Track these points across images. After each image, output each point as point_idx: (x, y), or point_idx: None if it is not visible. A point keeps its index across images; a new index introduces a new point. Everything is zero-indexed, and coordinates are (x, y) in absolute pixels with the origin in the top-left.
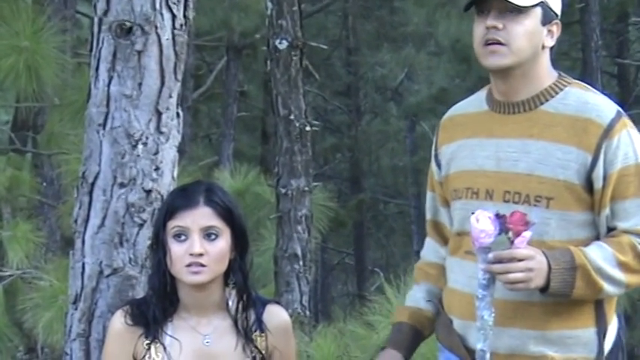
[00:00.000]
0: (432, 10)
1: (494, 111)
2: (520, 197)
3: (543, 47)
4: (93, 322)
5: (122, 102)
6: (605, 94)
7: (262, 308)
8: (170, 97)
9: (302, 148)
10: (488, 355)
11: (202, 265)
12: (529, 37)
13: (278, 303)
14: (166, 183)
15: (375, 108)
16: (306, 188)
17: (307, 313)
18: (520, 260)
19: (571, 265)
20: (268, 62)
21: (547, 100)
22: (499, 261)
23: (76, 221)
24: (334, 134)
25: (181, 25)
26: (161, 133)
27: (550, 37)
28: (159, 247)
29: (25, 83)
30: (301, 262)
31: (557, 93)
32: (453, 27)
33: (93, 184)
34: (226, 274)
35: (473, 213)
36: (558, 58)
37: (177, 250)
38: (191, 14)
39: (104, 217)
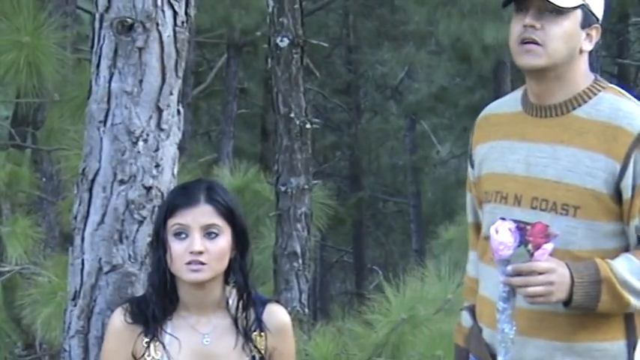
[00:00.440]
0: (433, 9)
1: (527, 113)
2: (547, 205)
3: (581, 51)
4: (92, 319)
5: (123, 99)
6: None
7: (262, 308)
8: (171, 94)
9: (302, 145)
10: None
11: (202, 264)
12: (566, 39)
13: (278, 302)
14: (166, 180)
15: (375, 106)
16: (306, 186)
17: (306, 311)
18: (540, 273)
19: (595, 279)
20: (269, 60)
21: (580, 105)
22: (518, 274)
23: (75, 218)
24: (334, 132)
25: (183, 22)
26: (162, 130)
27: (588, 41)
28: (159, 245)
29: (26, 79)
30: (300, 260)
31: (590, 98)
32: (454, 26)
33: (93, 180)
34: (226, 273)
35: (503, 219)
36: None
37: (177, 248)
38: (192, 11)
39: (104, 214)
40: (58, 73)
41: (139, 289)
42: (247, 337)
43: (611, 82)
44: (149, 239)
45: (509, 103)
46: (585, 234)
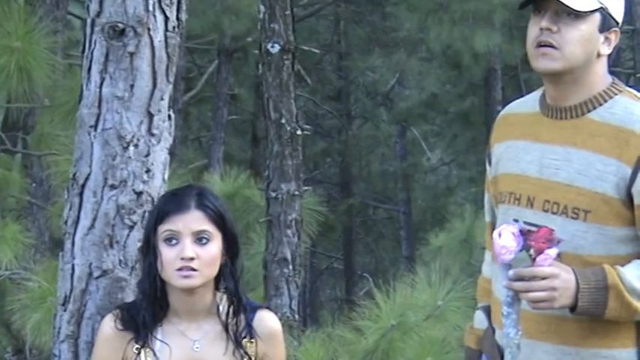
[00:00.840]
0: (424, 16)
1: (544, 114)
2: (558, 208)
3: (599, 55)
4: (82, 324)
5: (114, 104)
6: None
7: (253, 314)
8: (162, 99)
9: (293, 152)
10: None
11: (193, 270)
12: (584, 43)
13: (269, 309)
14: (157, 185)
15: (366, 113)
16: (297, 192)
17: (296, 317)
18: (543, 278)
19: (603, 285)
20: (260, 66)
21: (595, 108)
22: (520, 278)
23: (66, 222)
24: (324, 139)
25: (174, 28)
26: (152, 135)
27: (607, 45)
28: (149, 251)
29: (16, 84)
30: (291, 267)
31: (606, 101)
32: (445, 33)
33: (83, 185)
34: (217, 279)
35: (516, 220)
36: None
37: (168, 254)
38: (184, 16)
39: (94, 219)
40: (48, 78)
41: (130, 295)
42: (238, 344)
43: None
44: (139, 244)
45: (528, 103)
46: (596, 239)
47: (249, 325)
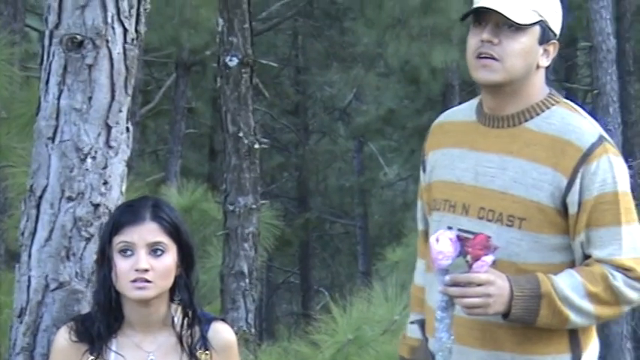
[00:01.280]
0: (382, 31)
1: (480, 123)
2: (494, 215)
3: (538, 67)
4: (38, 336)
5: (72, 115)
6: (594, 118)
7: (208, 325)
8: (120, 111)
9: (250, 165)
10: None
11: (148, 281)
12: (524, 55)
13: (224, 321)
14: (114, 197)
15: (323, 127)
16: (254, 206)
17: (252, 331)
18: (479, 285)
19: (536, 293)
20: (218, 79)
21: (532, 118)
22: (456, 284)
23: (22, 234)
24: (282, 153)
25: (133, 40)
26: (110, 147)
27: (546, 57)
28: (104, 262)
29: None
30: (247, 280)
31: (543, 111)
32: (403, 48)
33: (41, 197)
34: (172, 291)
35: (450, 228)
36: None
37: (122, 265)
38: (143, 29)
39: (51, 231)
40: (5, 89)
41: (86, 307)
42: (192, 355)
43: None
44: (96, 257)
45: (465, 111)
46: (530, 246)
47: (203, 337)
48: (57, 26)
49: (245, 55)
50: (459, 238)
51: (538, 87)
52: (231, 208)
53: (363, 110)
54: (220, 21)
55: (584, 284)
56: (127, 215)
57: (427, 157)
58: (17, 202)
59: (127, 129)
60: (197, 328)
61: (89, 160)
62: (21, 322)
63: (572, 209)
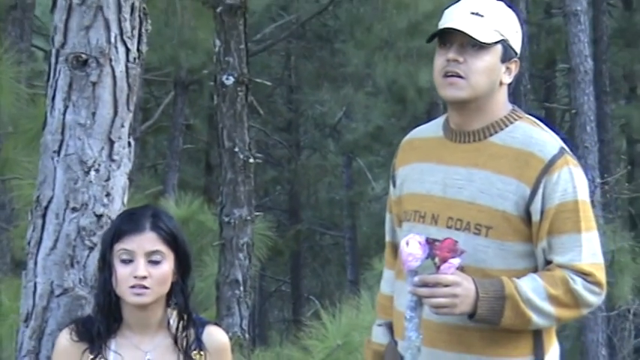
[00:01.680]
0: (371, 53)
1: (447, 138)
2: (462, 224)
3: (501, 83)
4: (43, 340)
5: (76, 130)
6: (555, 131)
7: (202, 329)
8: (122, 126)
9: (245, 179)
10: None
11: (145, 287)
12: (488, 72)
13: (217, 325)
14: (116, 208)
15: (314, 144)
16: (249, 217)
17: (246, 336)
18: (446, 286)
19: (500, 295)
20: (215, 97)
21: (496, 132)
22: (425, 285)
23: (29, 243)
24: (275, 167)
25: (135, 59)
26: (113, 160)
27: (508, 75)
28: (105, 267)
29: None
30: (242, 288)
31: (506, 126)
32: (390, 69)
33: (46, 207)
34: (168, 295)
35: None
36: None
37: (122, 272)
38: (144, 48)
39: (56, 240)
40: (13, 106)
41: (89, 312)
42: (187, 356)
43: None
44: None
45: (432, 128)
46: (496, 253)
47: (198, 339)
48: (63, 45)
49: (241, 74)
50: (427, 241)
51: (501, 103)
52: (226, 219)
53: (352, 127)
54: (217, 42)
55: (546, 287)
56: (127, 224)
57: (397, 172)
58: (24, 213)
59: (129, 143)
60: (192, 331)
61: (93, 172)
62: (27, 327)
63: (536, 217)
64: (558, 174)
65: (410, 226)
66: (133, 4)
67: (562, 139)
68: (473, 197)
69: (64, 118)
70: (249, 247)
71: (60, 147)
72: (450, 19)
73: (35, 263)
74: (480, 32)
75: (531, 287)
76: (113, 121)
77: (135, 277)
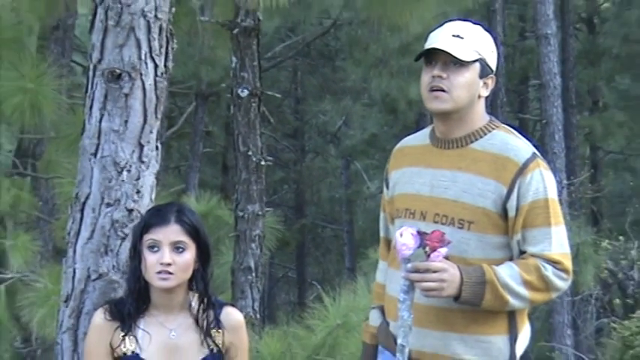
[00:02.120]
0: (367, 69)
1: (433, 145)
2: (447, 219)
3: (479, 97)
4: (81, 318)
5: (111, 135)
6: (527, 138)
7: (220, 309)
8: (151, 132)
9: (257, 179)
10: (407, 350)
11: (170, 273)
12: (468, 87)
13: (233, 305)
14: (145, 204)
15: (317, 148)
16: (260, 212)
17: (258, 316)
18: (435, 272)
19: (481, 280)
20: (231, 107)
21: (476, 139)
22: (416, 271)
23: (69, 234)
24: (283, 169)
25: (162, 73)
26: (142, 162)
27: (485, 89)
28: (135, 255)
29: (29, 118)
30: (254, 274)
31: (485, 134)
32: (384, 84)
33: (84, 203)
34: (190, 281)
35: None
36: None
37: (150, 259)
38: (170, 64)
39: (93, 231)
40: (55, 114)
41: (120, 295)
42: (207, 334)
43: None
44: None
45: (420, 137)
46: (477, 244)
47: (216, 319)
48: (100, 61)
49: (254, 87)
50: (419, 233)
51: (480, 114)
52: (241, 214)
53: (350, 134)
54: (234, 59)
55: (521, 274)
56: (155, 217)
57: (390, 175)
58: (64, 208)
59: (157, 147)
60: (211, 312)
61: (125, 172)
62: (67, 307)
63: (511, 213)
64: (531, 175)
65: (401, 222)
66: (160, 25)
67: (534, 145)
68: (457, 196)
69: (100, 125)
70: (261, 238)
71: (96, 150)
72: (435, 40)
73: (74, 251)
74: (460, 52)
75: (508, 274)
76: (143, 128)
77: (161, 263)
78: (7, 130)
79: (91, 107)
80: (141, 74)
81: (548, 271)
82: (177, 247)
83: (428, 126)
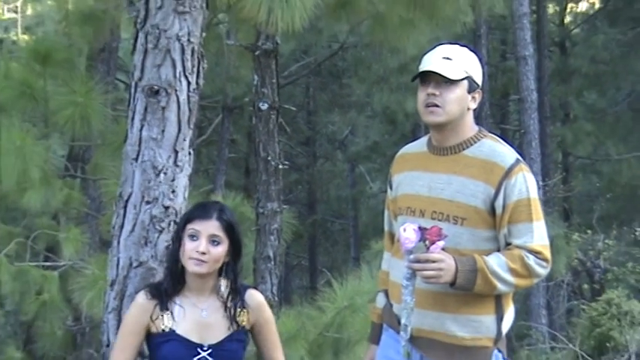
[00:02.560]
0: (370, 86)
1: (430, 152)
2: (443, 216)
3: (468, 109)
4: (124, 300)
5: (150, 143)
6: (511, 146)
7: (244, 292)
8: (184, 140)
9: (275, 180)
10: (409, 328)
11: (203, 261)
12: (458, 102)
13: (255, 288)
14: (180, 202)
15: (327, 154)
16: (278, 209)
17: (275, 299)
18: (434, 262)
19: (474, 268)
20: (253, 118)
21: (468, 147)
22: (418, 261)
23: (113, 227)
24: (297, 172)
25: (194, 89)
26: (177, 166)
27: (473, 102)
28: (177, 240)
29: (79, 128)
30: (272, 262)
31: (475, 142)
32: (385, 98)
33: (127, 201)
34: (220, 268)
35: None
36: None
37: (189, 246)
38: (201, 81)
39: (134, 225)
40: (101, 124)
41: (158, 280)
42: (234, 314)
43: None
44: (167, 244)
45: (418, 145)
46: (469, 238)
47: (242, 300)
48: (140, 79)
49: (273, 101)
50: (419, 228)
51: (470, 124)
52: (261, 210)
53: (355, 142)
54: (255, 77)
55: (507, 262)
56: (199, 211)
57: (393, 178)
58: (110, 205)
59: (189, 153)
60: (238, 296)
61: (162, 175)
62: (112, 290)
63: (499, 211)
64: (515, 178)
65: (403, 218)
66: (193, 48)
67: (517, 152)
68: (451, 196)
69: (140, 134)
70: (278, 231)
71: (137, 155)
72: (428, 63)
73: (118, 243)
74: (450, 72)
75: (496, 262)
76: (177, 136)
77: (197, 251)
78: (60, 138)
79: (132, 118)
80: (176, 90)
81: (531, 260)
82: (214, 240)
83: (424, 135)
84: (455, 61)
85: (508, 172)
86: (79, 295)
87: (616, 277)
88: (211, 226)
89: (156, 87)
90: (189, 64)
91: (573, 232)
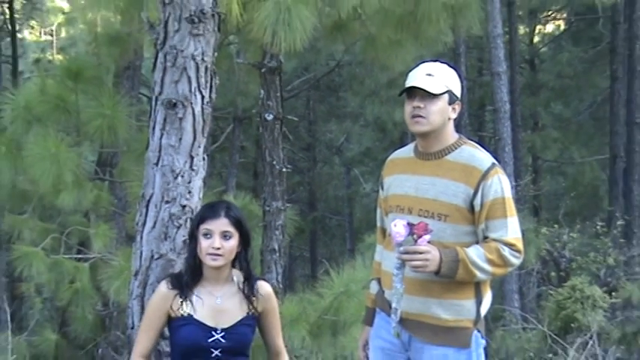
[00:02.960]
0: (363, 99)
1: (417, 157)
2: (429, 213)
3: (449, 119)
4: (146, 289)
5: (169, 150)
6: (488, 151)
7: (255, 282)
8: (199, 147)
9: (280, 182)
10: (399, 312)
11: (219, 255)
12: (440, 113)
13: (265, 280)
14: (195, 202)
15: (325, 159)
16: (282, 207)
17: (280, 286)
18: (421, 253)
19: (456, 259)
20: (260, 128)
21: (449, 153)
22: (407, 252)
23: (137, 224)
24: (299, 174)
25: (207, 102)
26: (193, 170)
27: (454, 113)
28: (192, 240)
29: (107, 137)
30: (277, 254)
31: (456, 149)
32: (376, 109)
33: (149, 201)
34: (233, 261)
35: (401, 219)
36: None
37: (204, 244)
38: (214, 95)
39: (155, 222)
40: (126, 133)
41: (176, 270)
42: (249, 300)
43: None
44: (184, 238)
45: (406, 151)
46: (451, 232)
47: (253, 288)
48: (160, 94)
49: (277, 112)
50: (408, 224)
51: (451, 132)
52: (267, 209)
53: (350, 148)
54: (262, 91)
55: (485, 254)
56: (209, 212)
57: (384, 180)
58: (134, 204)
59: (204, 158)
60: (252, 281)
61: (179, 178)
62: (136, 279)
63: (477, 208)
64: (492, 180)
65: (394, 215)
66: (206, 66)
67: (493, 157)
68: (436, 196)
69: (160, 142)
70: (283, 227)
71: (158, 160)
72: (413, 79)
73: (141, 238)
74: (432, 87)
75: (476, 254)
76: (193, 144)
77: (212, 247)
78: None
79: (153, 128)
80: (191, 103)
81: (506, 252)
82: (225, 236)
83: (411, 142)
84: (436, 77)
85: (485, 175)
86: (107, 284)
87: (579, 265)
88: (222, 224)
89: (174, 100)
90: (203, 80)
91: (542, 226)
